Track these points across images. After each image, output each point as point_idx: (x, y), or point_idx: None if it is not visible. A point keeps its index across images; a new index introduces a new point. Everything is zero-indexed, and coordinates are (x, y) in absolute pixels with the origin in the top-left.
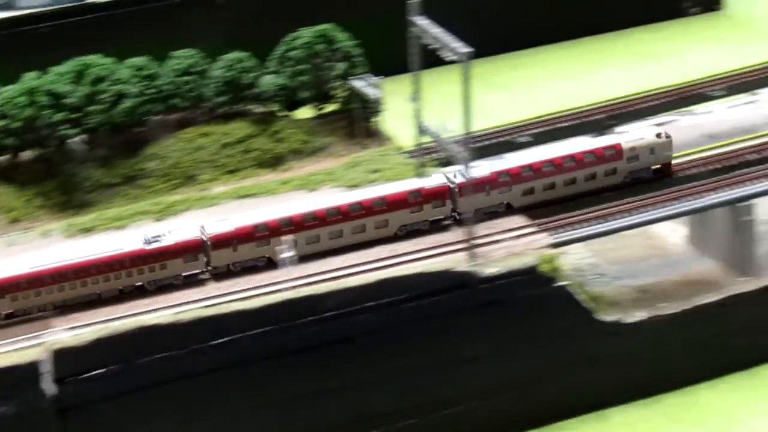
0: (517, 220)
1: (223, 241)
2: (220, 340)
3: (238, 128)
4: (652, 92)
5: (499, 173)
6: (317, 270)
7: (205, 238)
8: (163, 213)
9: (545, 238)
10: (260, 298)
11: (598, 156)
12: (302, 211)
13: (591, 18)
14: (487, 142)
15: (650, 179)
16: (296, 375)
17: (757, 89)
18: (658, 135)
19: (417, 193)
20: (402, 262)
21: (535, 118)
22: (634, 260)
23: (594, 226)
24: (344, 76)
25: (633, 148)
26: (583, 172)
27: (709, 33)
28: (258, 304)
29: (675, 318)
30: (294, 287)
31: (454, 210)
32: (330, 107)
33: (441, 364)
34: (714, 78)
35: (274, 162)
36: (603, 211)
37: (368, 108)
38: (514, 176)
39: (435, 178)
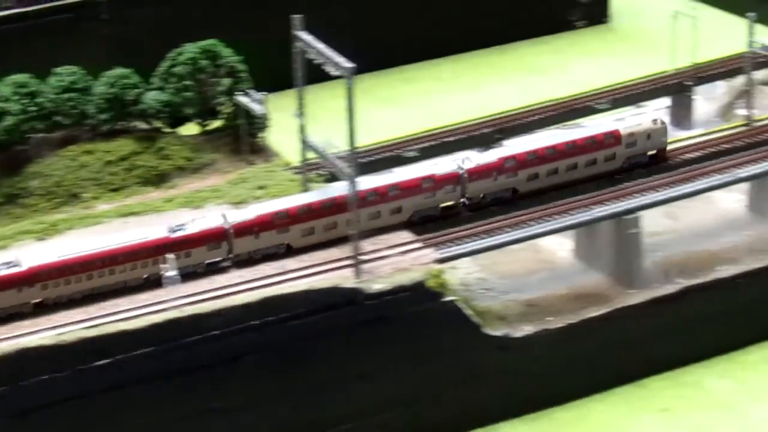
0: (404, 236)
1: (245, 229)
2: (104, 361)
3: (122, 145)
4: (539, 106)
5: (506, 159)
6: (202, 288)
7: (227, 227)
8: (46, 232)
9: (432, 253)
10: (144, 317)
11: (598, 142)
12: (321, 198)
13: (480, 32)
14: (373, 158)
15: (647, 164)
16: (183, 395)
17: (642, 102)
18: (654, 121)
19: (430, 179)
20: (288, 279)
21: (423, 132)
22: (522, 274)
23: (481, 241)
24: (229, 92)
25: (631, 134)
26: (584, 157)
27: (597, 46)
28: (142, 324)
29: (563, 332)
30: (178, 306)
31: (462, 195)
32: (215, 123)
33: (329, 382)
34: (600, 91)
35: (159, 179)
36: (490, 225)
37: (254, 124)
38: (520, 162)
39: (446, 164)
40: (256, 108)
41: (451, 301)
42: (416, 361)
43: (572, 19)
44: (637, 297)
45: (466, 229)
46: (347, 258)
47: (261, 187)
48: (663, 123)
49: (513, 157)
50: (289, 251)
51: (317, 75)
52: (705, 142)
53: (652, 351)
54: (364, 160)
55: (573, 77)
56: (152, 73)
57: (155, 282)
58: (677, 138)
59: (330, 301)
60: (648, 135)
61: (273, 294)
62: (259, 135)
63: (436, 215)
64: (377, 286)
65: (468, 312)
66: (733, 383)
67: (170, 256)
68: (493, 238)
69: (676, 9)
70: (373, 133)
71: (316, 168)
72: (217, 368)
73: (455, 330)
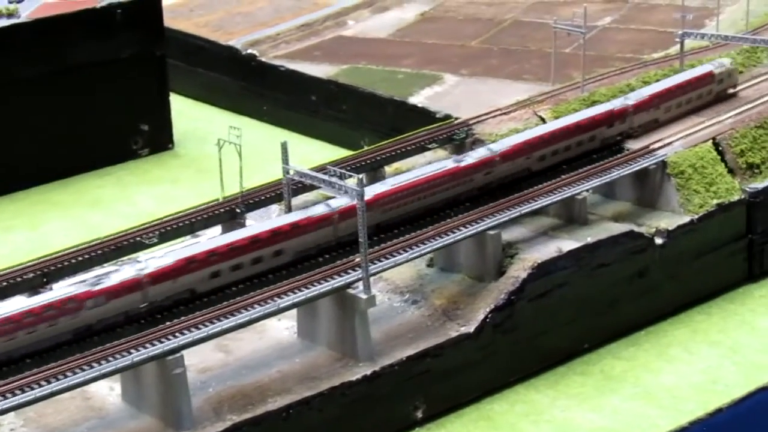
0: None
1: None
2: None
3: None
4: (87, 244)
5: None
6: None
7: None
8: None
9: None
10: None
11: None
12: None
13: (36, 166)
14: None
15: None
16: None
17: (196, 231)
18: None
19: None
20: None
21: None
22: (70, 424)
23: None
24: None
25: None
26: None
27: (161, 173)
28: None
29: None
30: None
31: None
32: None
33: None
34: (150, 224)
35: None
36: (33, 378)
37: None
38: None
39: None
40: None
41: None
42: None
43: (135, 148)
44: None
45: (12, 382)
46: None
47: None
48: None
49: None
50: None
51: None
52: None
53: None
54: None
55: (136, 209)
56: None
57: None
58: None
59: None
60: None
61: None
62: None
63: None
64: None
65: None
66: None
67: None
68: (26, 394)
69: (222, 134)
70: None
71: None
72: None
73: None
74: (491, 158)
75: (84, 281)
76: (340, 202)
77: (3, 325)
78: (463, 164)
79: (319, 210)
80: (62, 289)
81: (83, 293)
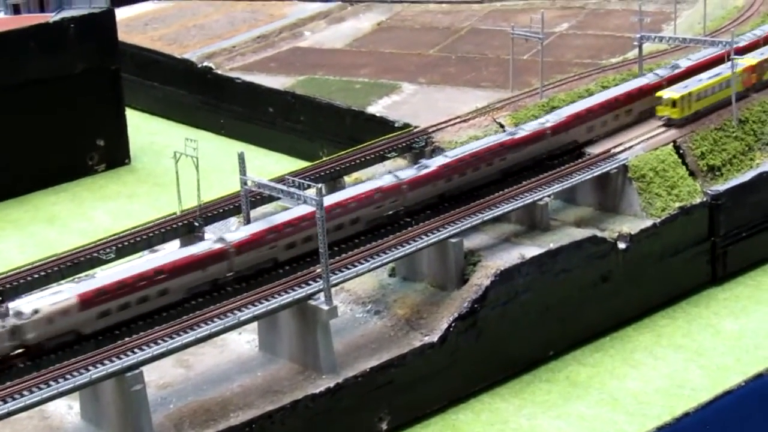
0: None
1: None
2: None
3: None
4: (42, 261)
5: None
6: None
7: None
8: None
9: None
10: None
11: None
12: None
13: None
14: None
15: None
16: None
17: (153, 245)
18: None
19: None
20: None
21: None
22: None
23: None
24: None
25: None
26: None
27: (118, 189)
28: None
29: None
30: None
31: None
32: None
33: None
34: (107, 239)
35: None
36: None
37: None
38: None
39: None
40: None
41: None
42: None
43: (91, 163)
44: None
45: None
46: None
47: None
48: None
49: None
50: None
51: None
52: None
53: None
54: None
55: (92, 225)
56: None
57: None
58: None
59: None
60: None
61: None
62: None
63: None
64: None
65: None
66: None
67: None
68: None
69: (179, 148)
70: None
71: None
72: None
73: None
74: (542, 131)
75: None
76: (408, 173)
77: None
78: (517, 136)
79: (388, 180)
80: None
81: None
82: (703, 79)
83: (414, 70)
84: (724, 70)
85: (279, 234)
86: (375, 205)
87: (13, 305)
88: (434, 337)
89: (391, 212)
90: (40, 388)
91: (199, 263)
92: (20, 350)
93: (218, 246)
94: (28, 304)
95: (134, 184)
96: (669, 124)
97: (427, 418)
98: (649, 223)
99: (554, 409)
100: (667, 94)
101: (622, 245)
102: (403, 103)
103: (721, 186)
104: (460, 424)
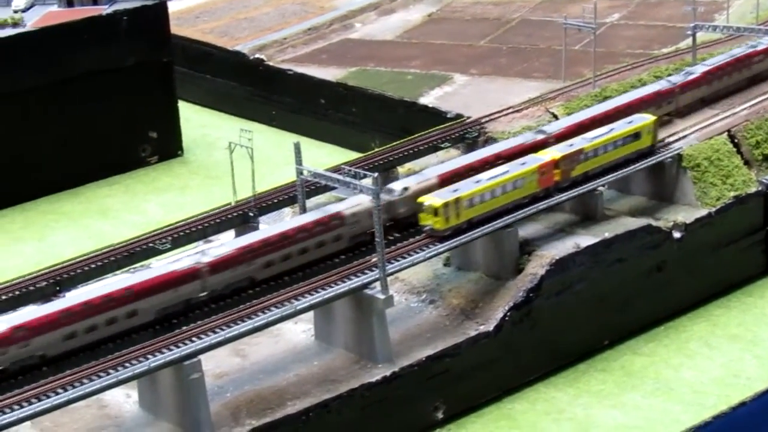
0: None
1: None
2: None
3: None
4: (98, 252)
5: None
6: None
7: None
8: None
9: None
10: None
11: None
12: None
13: (44, 177)
14: None
15: None
16: None
17: (208, 236)
18: None
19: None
20: None
21: None
22: None
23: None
24: None
25: None
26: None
27: (170, 181)
28: None
29: None
30: None
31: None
32: None
33: None
34: (162, 230)
35: None
36: (48, 386)
37: None
38: None
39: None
40: None
41: None
42: None
43: (144, 155)
44: None
45: (19, 394)
46: None
47: None
48: None
49: None
50: None
51: None
52: None
53: None
54: None
55: (145, 217)
56: None
57: None
58: None
59: None
60: None
61: None
62: None
63: None
64: None
65: None
66: None
67: None
68: (47, 401)
69: (231, 140)
70: None
71: None
72: None
73: None
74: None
75: None
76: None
77: None
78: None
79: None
80: None
81: None
82: (482, 180)
83: (465, 62)
84: (513, 168)
85: (256, 252)
86: None
87: None
88: (489, 327)
89: None
90: (99, 377)
91: (171, 283)
92: None
93: (190, 265)
94: None
95: (186, 176)
96: (431, 235)
97: (482, 408)
98: (703, 212)
99: (609, 399)
100: (428, 201)
101: (676, 234)
102: (455, 94)
103: None
104: (515, 414)
